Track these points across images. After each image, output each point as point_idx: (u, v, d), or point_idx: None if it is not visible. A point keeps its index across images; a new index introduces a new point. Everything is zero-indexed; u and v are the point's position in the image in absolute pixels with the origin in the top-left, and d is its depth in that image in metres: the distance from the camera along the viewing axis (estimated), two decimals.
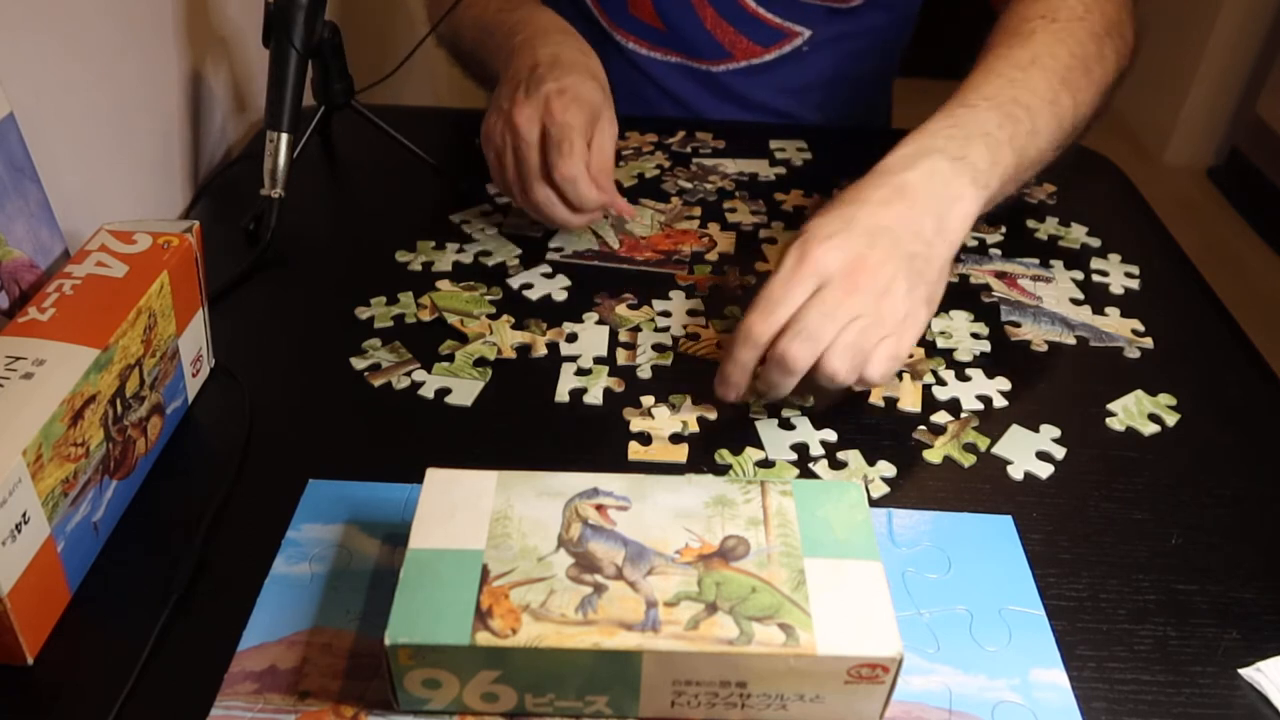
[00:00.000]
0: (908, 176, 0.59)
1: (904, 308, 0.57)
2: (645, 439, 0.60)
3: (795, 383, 0.57)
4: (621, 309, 0.70)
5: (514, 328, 0.68)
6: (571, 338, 0.67)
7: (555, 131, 0.67)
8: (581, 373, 0.64)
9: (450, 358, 0.65)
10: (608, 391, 0.63)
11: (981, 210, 0.62)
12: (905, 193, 0.59)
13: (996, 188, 0.62)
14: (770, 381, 0.57)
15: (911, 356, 0.66)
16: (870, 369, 0.56)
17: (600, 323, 0.69)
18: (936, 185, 0.59)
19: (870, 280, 0.56)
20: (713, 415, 0.61)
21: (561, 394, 0.62)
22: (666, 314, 0.70)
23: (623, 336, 0.68)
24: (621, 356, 0.66)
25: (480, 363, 0.65)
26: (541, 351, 0.66)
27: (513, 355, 0.66)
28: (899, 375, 0.65)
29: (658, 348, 0.67)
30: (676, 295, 0.72)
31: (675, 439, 0.60)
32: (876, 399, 0.63)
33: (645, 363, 0.65)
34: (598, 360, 0.65)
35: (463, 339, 0.67)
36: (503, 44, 0.78)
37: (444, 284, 0.72)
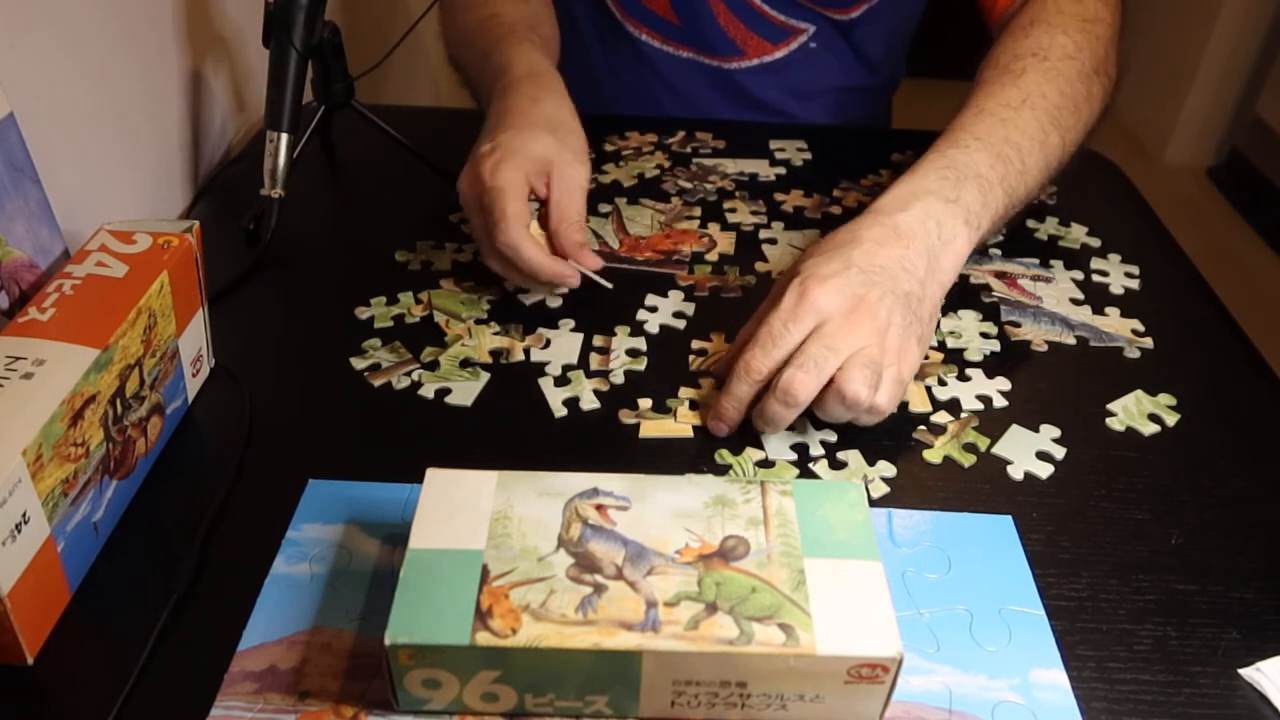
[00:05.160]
0: (902, 218, 0.61)
1: (901, 342, 0.58)
2: (703, 373, 0.64)
3: (795, 416, 0.57)
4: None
5: (495, 334, 0.67)
6: (548, 344, 0.67)
7: (486, 200, 0.64)
8: (561, 382, 0.64)
9: (435, 364, 0.65)
10: (599, 393, 0.63)
11: (971, 249, 0.63)
12: (900, 233, 0.60)
13: (988, 228, 0.65)
14: (771, 414, 0.57)
15: (927, 358, 0.67)
16: (879, 395, 0.56)
17: (575, 329, 0.68)
18: (930, 226, 0.61)
19: (869, 318, 0.57)
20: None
21: (556, 406, 0.62)
22: (653, 308, 0.70)
23: (597, 341, 0.67)
24: (595, 361, 0.66)
25: (467, 363, 0.65)
26: (519, 357, 0.66)
27: (489, 360, 0.65)
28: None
29: (631, 353, 0.67)
30: (660, 301, 0.72)
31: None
32: None
33: (619, 368, 0.65)
34: (568, 368, 0.65)
35: (442, 342, 0.67)
36: (484, 103, 0.74)
37: (446, 283, 0.72)
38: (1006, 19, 0.78)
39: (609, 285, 0.68)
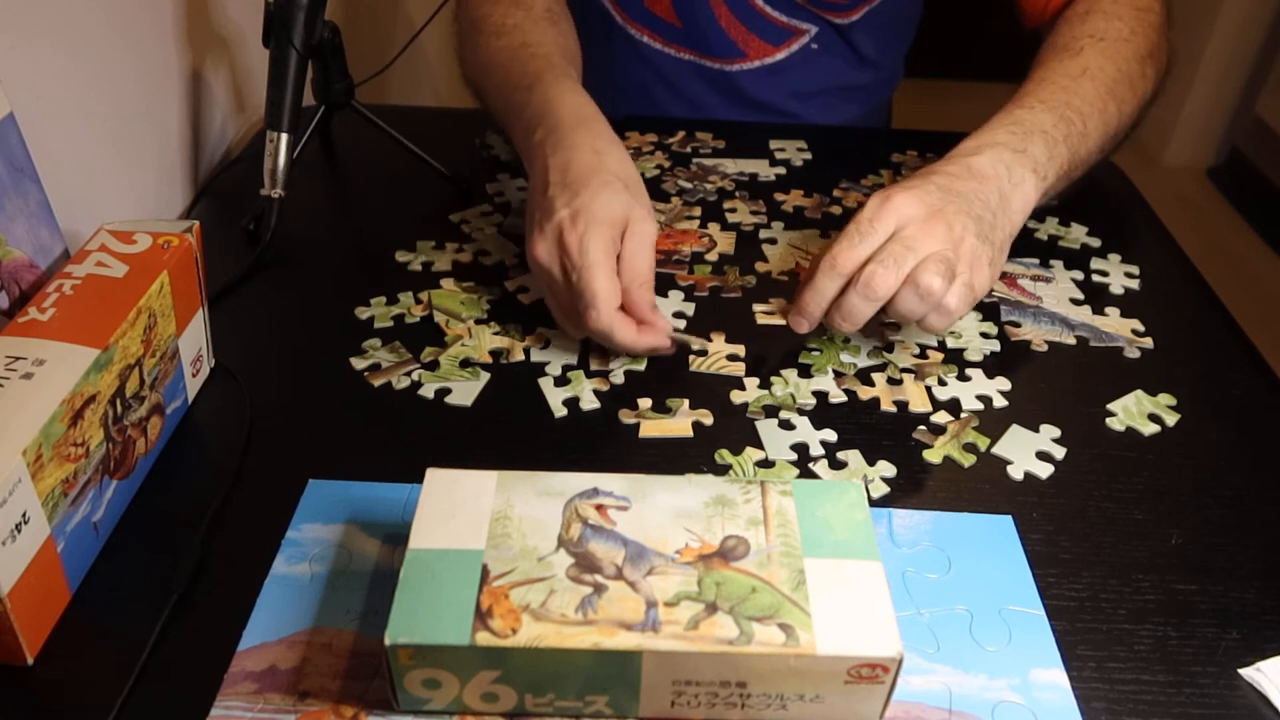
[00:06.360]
0: (975, 161, 0.65)
1: (973, 254, 0.61)
2: (703, 352, 0.66)
3: (873, 311, 0.61)
4: None
5: (495, 334, 0.67)
6: (547, 344, 0.67)
7: (575, 278, 0.60)
8: (561, 382, 0.64)
9: (435, 364, 0.65)
10: (599, 393, 0.63)
11: (1039, 200, 0.67)
12: (974, 171, 0.65)
13: (1053, 180, 0.68)
14: (849, 307, 0.61)
15: (926, 358, 0.67)
16: (949, 298, 0.60)
17: None
18: (1000, 170, 0.65)
19: (945, 227, 0.60)
20: (709, 420, 0.61)
21: (556, 406, 0.62)
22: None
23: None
24: (595, 361, 0.66)
25: (467, 363, 0.65)
26: (519, 357, 0.66)
27: (489, 360, 0.65)
28: (904, 374, 0.65)
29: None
30: (673, 295, 0.72)
31: (732, 359, 0.66)
32: (887, 405, 0.63)
33: (619, 367, 0.65)
34: (567, 368, 0.65)
35: (442, 342, 0.67)
36: (522, 140, 0.71)
37: (446, 283, 0.72)
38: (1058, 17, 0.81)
39: (702, 346, 0.67)
